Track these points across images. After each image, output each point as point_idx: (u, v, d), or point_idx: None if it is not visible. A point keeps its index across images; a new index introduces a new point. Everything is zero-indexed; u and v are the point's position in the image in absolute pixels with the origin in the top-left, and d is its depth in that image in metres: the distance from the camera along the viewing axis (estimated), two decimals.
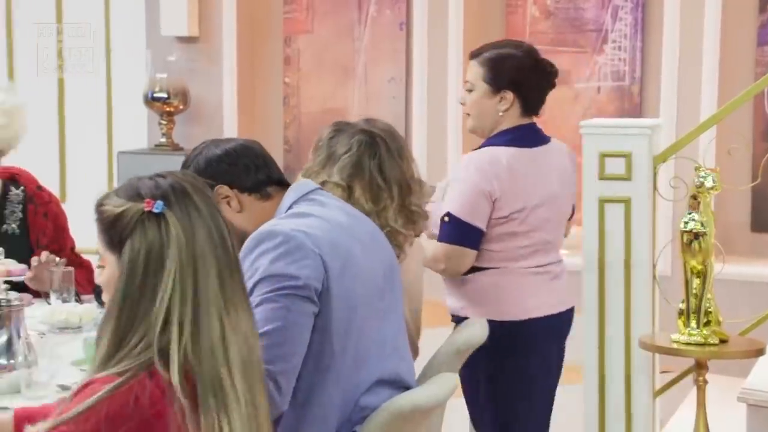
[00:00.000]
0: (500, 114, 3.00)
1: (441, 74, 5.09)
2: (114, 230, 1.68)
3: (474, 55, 3.06)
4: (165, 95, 5.32)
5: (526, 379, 2.97)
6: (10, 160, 3.49)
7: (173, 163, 5.45)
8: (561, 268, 3.08)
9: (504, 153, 2.96)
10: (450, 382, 2.30)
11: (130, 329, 1.63)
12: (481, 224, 2.92)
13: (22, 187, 3.18)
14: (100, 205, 1.71)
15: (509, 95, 2.99)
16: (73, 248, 3.26)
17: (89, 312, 2.86)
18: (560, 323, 3.06)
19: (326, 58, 5.39)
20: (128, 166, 5.24)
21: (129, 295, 1.64)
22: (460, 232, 2.91)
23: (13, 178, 3.19)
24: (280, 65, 5.44)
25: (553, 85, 3.10)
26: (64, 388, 2.29)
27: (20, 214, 3.15)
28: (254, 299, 2.06)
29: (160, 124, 5.38)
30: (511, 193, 2.93)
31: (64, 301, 2.93)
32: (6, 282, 2.56)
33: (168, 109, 5.35)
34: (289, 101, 5.46)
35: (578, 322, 3.23)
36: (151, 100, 5.34)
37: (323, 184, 2.48)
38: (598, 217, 3.21)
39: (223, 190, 2.27)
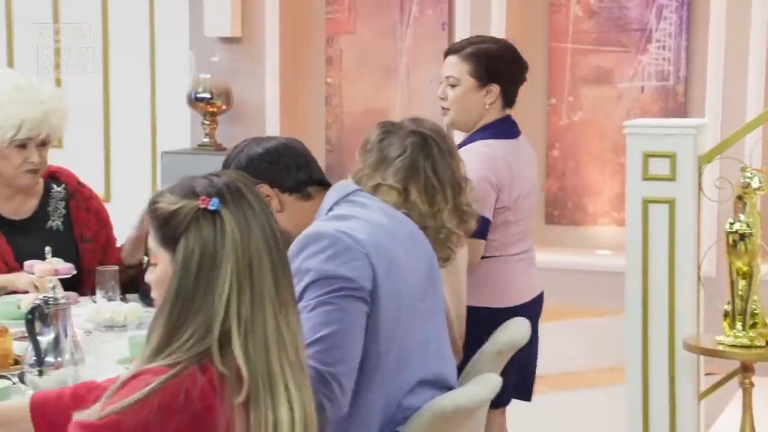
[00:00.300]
0: (486, 107, 3.07)
1: None
2: (168, 227, 1.68)
3: (453, 51, 3.10)
4: (208, 96, 5.36)
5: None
6: (57, 160, 3.54)
7: (216, 163, 5.45)
8: (534, 253, 3.20)
9: (497, 145, 3.03)
10: (492, 382, 2.30)
11: (182, 324, 1.64)
12: (490, 215, 2.98)
13: (63, 185, 3.23)
14: (153, 203, 1.72)
15: (495, 88, 3.06)
16: (114, 244, 3.31)
17: (134, 311, 2.88)
18: (538, 306, 3.17)
19: (368, 59, 5.40)
20: (172, 166, 5.28)
21: (182, 291, 1.64)
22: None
23: (54, 175, 3.24)
24: (322, 65, 5.46)
25: (525, 79, 3.20)
26: None
27: (63, 210, 3.19)
28: (307, 303, 2.05)
29: (203, 124, 5.41)
30: (509, 183, 3.01)
31: (110, 299, 2.95)
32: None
33: (211, 109, 5.39)
34: (331, 101, 5.48)
35: (621, 323, 3.21)
36: (194, 101, 5.38)
37: (377, 187, 2.48)
38: (642, 218, 3.19)
39: (264, 189, 2.25)
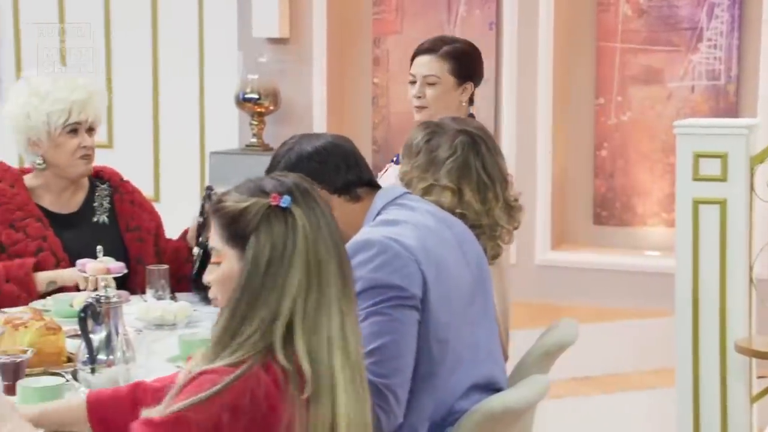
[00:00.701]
0: (462, 105, 3.15)
1: (531, 74, 5.05)
2: (237, 225, 1.69)
3: (428, 50, 3.15)
4: (256, 96, 5.38)
5: None
6: (107, 159, 3.58)
7: (263, 163, 5.48)
8: None
9: None
10: (541, 384, 2.29)
11: (246, 319, 1.65)
12: None
13: (107, 182, 3.30)
14: (219, 202, 1.73)
15: (470, 86, 3.15)
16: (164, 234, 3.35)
17: (184, 310, 2.90)
18: None
19: None
20: (219, 166, 5.31)
21: (250, 287, 1.65)
22: None
23: (98, 174, 3.31)
24: (369, 66, 5.47)
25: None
26: None
27: (108, 206, 3.25)
28: (360, 311, 2.01)
29: (250, 124, 5.44)
30: None
31: (159, 298, 2.98)
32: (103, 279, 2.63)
33: (259, 109, 5.41)
34: (378, 101, 5.48)
35: (670, 324, 3.18)
36: (242, 101, 5.41)
37: (430, 188, 2.48)
38: (692, 219, 3.16)
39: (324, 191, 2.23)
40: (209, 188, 3.04)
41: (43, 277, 3.05)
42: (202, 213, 3.08)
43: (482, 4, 5.21)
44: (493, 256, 2.55)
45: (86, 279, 2.94)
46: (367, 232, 2.17)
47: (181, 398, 1.61)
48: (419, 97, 3.13)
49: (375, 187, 2.31)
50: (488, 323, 2.29)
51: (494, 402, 2.17)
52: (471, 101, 3.21)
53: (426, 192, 2.48)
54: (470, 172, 2.52)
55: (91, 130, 3.16)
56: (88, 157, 3.15)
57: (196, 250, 3.07)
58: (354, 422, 1.67)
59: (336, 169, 2.28)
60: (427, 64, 3.13)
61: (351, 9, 5.45)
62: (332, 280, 1.68)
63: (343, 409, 1.65)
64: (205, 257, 2.63)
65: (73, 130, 3.11)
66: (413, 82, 3.16)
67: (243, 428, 1.60)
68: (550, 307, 4.82)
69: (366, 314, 2.04)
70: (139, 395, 1.89)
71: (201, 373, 1.64)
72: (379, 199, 2.27)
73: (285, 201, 1.67)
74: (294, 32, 5.41)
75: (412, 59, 3.20)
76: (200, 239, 3.05)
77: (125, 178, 3.35)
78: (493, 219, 2.50)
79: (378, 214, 2.24)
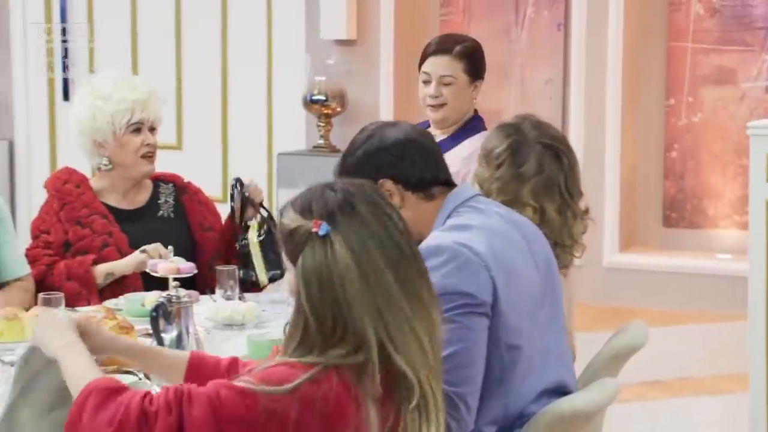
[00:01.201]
0: (474, 101, 3.28)
1: (600, 75, 5.01)
2: (289, 244, 1.74)
3: (443, 51, 3.23)
4: (323, 98, 5.40)
5: None
6: (176, 161, 3.64)
7: (330, 164, 5.49)
8: None
9: None
10: (611, 387, 2.27)
11: (315, 332, 1.68)
12: None
13: (170, 183, 3.36)
14: (281, 216, 1.77)
15: (480, 84, 3.28)
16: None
17: (252, 310, 2.93)
18: None
19: None
20: (287, 167, 5.35)
21: (308, 304, 1.69)
22: None
23: (160, 178, 3.37)
24: None
25: None
26: None
27: (173, 203, 3.31)
28: None
29: (318, 126, 5.47)
30: None
31: (228, 298, 3.01)
32: (175, 279, 2.66)
33: (326, 111, 5.44)
34: None
35: (742, 328, 3.13)
36: (309, 103, 5.44)
37: (511, 202, 2.46)
38: (766, 221, 3.11)
39: (388, 185, 2.22)
40: (237, 180, 3.20)
41: (100, 270, 3.11)
42: (232, 198, 3.21)
43: (550, 5, 5.18)
44: (564, 266, 2.54)
45: (146, 262, 3.02)
46: (438, 236, 2.16)
47: (253, 376, 1.65)
48: (435, 97, 3.21)
49: (451, 186, 2.28)
50: (558, 326, 2.27)
51: (563, 405, 2.16)
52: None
53: (506, 205, 2.45)
54: (553, 190, 2.51)
55: (152, 129, 3.22)
56: (151, 155, 3.22)
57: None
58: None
59: (412, 165, 2.25)
60: (442, 65, 3.22)
61: (418, 10, 5.45)
62: (392, 292, 1.68)
63: (433, 419, 1.66)
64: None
65: (137, 129, 3.18)
66: (427, 82, 3.24)
67: (310, 425, 1.61)
68: (617, 310, 4.77)
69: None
70: (237, 370, 1.94)
71: (278, 363, 1.67)
72: (451, 200, 2.24)
73: (323, 229, 1.69)
74: (361, 34, 5.42)
75: (423, 59, 3.27)
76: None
77: (186, 180, 3.40)
78: (570, 236, 2.50)
79: (449, 215, 2.22)
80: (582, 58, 5.06)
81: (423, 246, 2.12)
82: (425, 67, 3.26)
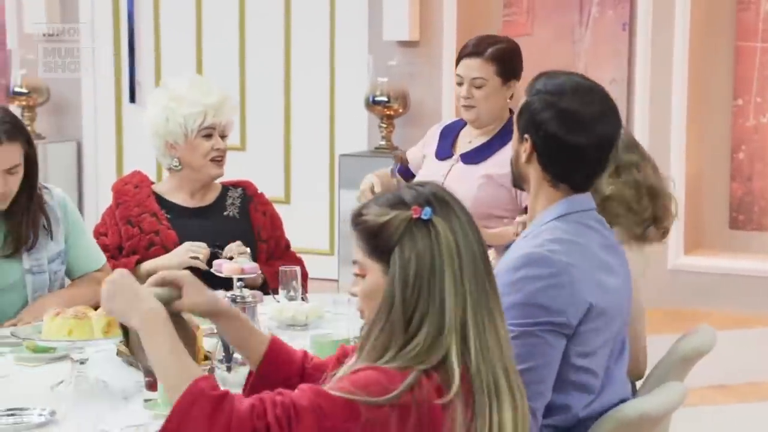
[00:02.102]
0: (507, 101, 3.28)
1: (665, 75, 4.96)
2: (380, 239, 1.69)
3: (474, 54, 3.24)
4: (385, 99, 5.41)
5: None
6: (239, 161, 3.67)
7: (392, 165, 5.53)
8: None
9: None
10: (677, 391, 2.25)
11: (401, 333, 1.66)
12: None
13: (240, 189, 3.38)
14: (359, 215, 1.73)
15: (514, 84, 3.27)
16: (288, 246, 3.40)
17: (315, 310, 2.94)
18: None
19: (545, 60, 5.33)
20: (349, 168, 5.36)
21: (401, 300, 1.66)
22: None
23: (233, 184, 3.41)
24: None
25: None
26: None
27: (239, 205, 3.33)
28: (510, 327, 1.90)
29: (380, 127, 5.48)
30: None
31: (291, 299, 3.03)
32: (239, 279, 2.68)
33: (388, 112, 5.44)
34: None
35: None
36: (372, 104, 5.45)
37: (608, 198, 2.47)
38: None
39: (527, 144, 2.12)
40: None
41: (143, 270, 3.13)
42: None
43: (615, 5, 5.13)
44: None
45: (194, 258, 3.06)
46: (545, 246, 2.07)
47: (347, 382, 1.63)
48: (467, 98, 3.25)
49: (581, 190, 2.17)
50: (625, 357, 2.26)
51: (629, 408, 2.15)
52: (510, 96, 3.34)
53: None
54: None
55: (223, 136, 3.25)
56: (220, 160, 3.25)
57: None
58: (519, 427, 1.67)
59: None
60: (473, 67, 3.24)
61: (481, 11, 5.43)
62: (480, 288, 1.68)
63: (509, 415, 1.66)
64: None
65: (208, 135, 3.21)
66: (460, 84, 3.27)
67: (408, 430, 1.61)
68: (682, 312, 4.72)
69: (519, 333, 1.98)
70: (306, 363, 1.93)
71: (367, 368, 1.65)
72: (562, 205, 2.14)
73: (426, 213, 1.67)
74: (424, 35, 5.42)
75: (458, 61, 3.31)
76: None
77: (260, 191, 3.42)
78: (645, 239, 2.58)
79: (561, 217, 2.12)
80: (647, 58, 5.01)
81: (528, 252, 2.06)
82: (458, 69, 3.31)
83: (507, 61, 3.26)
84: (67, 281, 3.00)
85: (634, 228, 2.58)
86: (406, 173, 3.45)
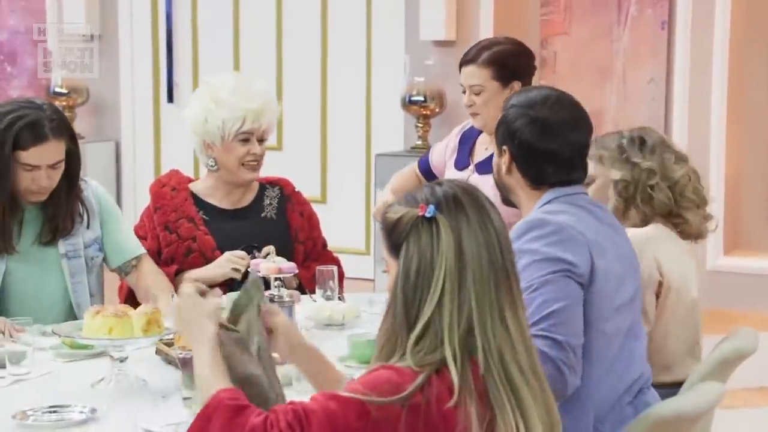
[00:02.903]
0: None
1: (705, 75, 4.92)
2: (393, 235, 1.74)
3: (469, 61, 3.22)
4: (422, 98, 5.41)
5: None
6: (278, 162, 3.68)
7: None
8: None
9: None
10: (715, 391, 2.24)
11: (406, 330, 1.68)
12: None
13: (278, 187, 3.38)
14: (385, 212, 1.77)
15: (517, 85, 3.20)
16: (324, 245, 3.40)
17: (352, 310, 2.95)
18: None
19: (583, 60, 5.32)
20: (385, 168, 5.36)
21: (404, 297, 1.69)
22: None
23: (271, 182, 3.39)
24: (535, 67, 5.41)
25: (536, 68, 3.33)
26: None
27: (277, 206, 3.33)
28: (530, 282, 2.09)
29: (416, 126, 5.48)
30: None
31: (328, 298, 3.03)
32: (276, 279, 2.69)
33: (424, 112, 5.44)
34: None
35: None
36: (408, 104, 5.45)
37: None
38: None
39: (506, 155, 2.28)
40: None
41: (185, 281, 3.14)
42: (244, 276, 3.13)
43: (654, 3, 5.10)
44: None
45: (234, 270, 3.08)
46: (543, 212, 2.20)
47: (358, 384, 1.65)
48: (470, 106, 3.25)
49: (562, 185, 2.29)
50: (643, 337, 2.31)
51: (665, 408, 2.15)
52: None
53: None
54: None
55: (262, 140, 3.24)
56: (255, 164, 3.24)
57: None
58: (551, 426, 1.67)
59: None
60: (470, 74, 3.23)
61: (518, 10, 5.42)
62: (486, 290, 1.68)
63: (533, 415, 1.66)
64: None
65: (245, 139, 3.20)
66: (464, 92, 3.27)
67: (418, 429, 1.62)
68: (721, 314, 4.68)
69: (539, 283, 2.09)
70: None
71: (380, 368, 1.67)
72: (551, 192, 2.27)
73: (429, 211, 1.70)
74: (461, 34, 5.41)
75: (460, 70, 3.31)
76: None
77: (297, 189, 3.42)
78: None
79: (547, 203, 2.25)
80: (686, 57, 4.97)
81: (525, 220, 2.18)
82: (460, 78, 3.31)
83: (504, 63, 3.21)
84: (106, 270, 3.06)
85: (698, 218, 2.68)
86: (428, 173, 3.44)
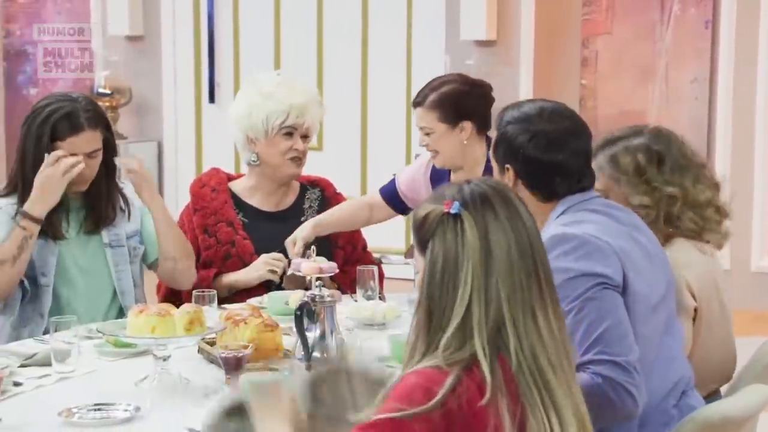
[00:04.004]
0: (464, 143, 3.16)
1: (749, 74, 4.87)
2: (420, 232, 1.73)
3: (417, 104, 3.19)
4: None
5: None
6: (318, 162, 3.69)
7: None
8: None
9: None
10: (762, 393, 2.21)
11: (434, 328, 1.67)
12: None
13: (319, 189, 3.37)
14: (415, 210, 1.78)
15: (467, 125, 3.16)
16: (364, 247, 3.40)
17: (393, 310, 2.95)
18: None
19: (625, 60, 5.29)
20: None
21: (430, 295, 1.68)
22: None
23: (312, 182, 3.39)
24: (577, 67, 5.39)
25: (493, 99, 3.25)
26: None
27: (317, 208, 3.33)
28: (571, 305, 2.05)
29: None
30: None
31: (369, 298, 3.04)
32: (317, 279, 2.70)
33: None
34: (585, 103, 5.40)
35: None
36: None
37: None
38: None
39: (510, 173, 2.23)
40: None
41: (223, 283, 3.18)
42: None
43: (698, 2, 5.06)
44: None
45: (272, 273, 3.11)
46: (561, 228, 2.16)
47: (392, 400, 1.63)
48: (425, 145, 3.22)
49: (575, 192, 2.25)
50: (678, 333, 2.28)
51: (711, 411, 2.13)
52: (484, 129, 3.20)
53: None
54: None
55: (305, 137, 3.25)
56: (298, 160, 3.25)
57: None
58: (581, 425, 1.66)
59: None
60: (419, 117, 3.22)
61: (560, 10, 5.39)
62: (516, 285, 1.67)
63: (567, 414, 1.65)
64: None
65: (289, 133, 3.21)
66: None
67: (456, 429, 1.61)
68: (765, 315, 4.63)
69: (580, 304, 2.05)
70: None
71: (406, 376, 1.66)
72: (563, 203, 2.22)
73: (454, 207, 1.69)
74: (501, 34, 5.40)
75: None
76: None
77: (338, 191, 3.42)
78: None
79: (562, 213, 2.21)
80: (730, 57, 4.93)
81: (548, 237, 2.12)
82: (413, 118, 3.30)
83: (450, 104, 3.15)
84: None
85: (723, 229, 2.59)
86: (395, 200, 3.35)
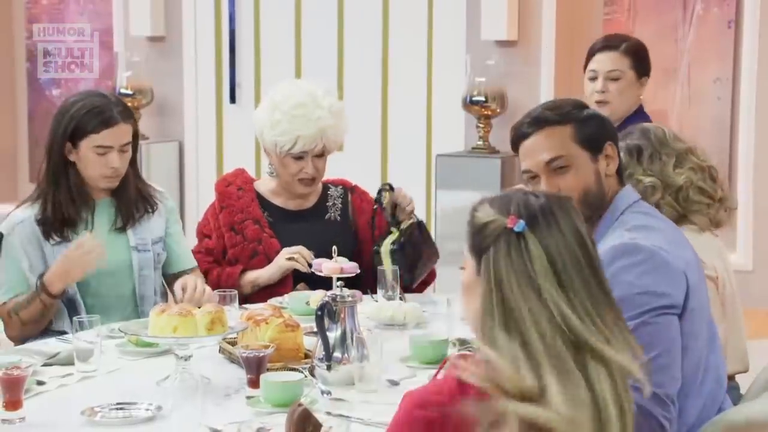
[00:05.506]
0: (639, 98, 3.34)
1: None
2: (478, 237, 1.72)
3: (611, 47, 3.30)
4: (483, 99, 5.39)
5: None
6: (338, 163, 3.69)
7: (489, 166, 5.52)
8: None
9: None
10: None
11: (494, 342, 1.65)
12: None
13: (341, 187, 3.39)
14: (474, 210, 1.76)
15: (646, 80, 3.34)
16: None
17: (414, 310, 2.95)
18: None
19: None
20: (446, 168, 5.35)
21: (489, 309, 1.66)
22: None
23: (334, 183, 3.41)
24: None
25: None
26: (393, 383, 2.38)
27: (340, 205, 3.35)
28: (627, 322, 1.94)
29: (477, 127, 5.46)
30: None
31: (390, 298, 3.04)
32: (339, 279, 2.70)
33: (485, 112, 5.42)
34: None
35: None
36: (469, 104, 5.43)
37: (682, 188, 2.54)
38: None
39: (611, 149, 2.25)
40: (388, 184, 3.24)
41: (246, 280, 3.19)
42: (378, 202, 3.21)
43: (720, 2, 5.03)
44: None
45: (289, 260, 3.13)
46: (633, 237, 2.14)
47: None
48: (603, 92, 3.25)
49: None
50: (718, 345, 2.26)
51: (736, 414, 2.12)
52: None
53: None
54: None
55: (320, 155, 3.24)
56: (308, 181, 3.25)
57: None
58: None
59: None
60: (609, 60, 3.27)
61: (581, 10, 5.37)
62: (580, 304, 1.66)
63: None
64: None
65: (299, 157, 3.22)
66: (593, 78, 3.29)
67: None
68: None
69: (635, 325, 2.01)
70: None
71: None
72: (622, 200, 2.24)
73: (519, 226, 1.67)
74: (522, 34, 5.39)
75: (590, 56, 3.34)
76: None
77: (354, 183, 3.44)
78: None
79: (621, 214, 2.21)
80: (754, 57, 4.89)
81: (617, 244, 2.10)
82: (592, 64, 3.29)
83: (641, 56, 3.30)
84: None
85: (712, 211, 2.60)
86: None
